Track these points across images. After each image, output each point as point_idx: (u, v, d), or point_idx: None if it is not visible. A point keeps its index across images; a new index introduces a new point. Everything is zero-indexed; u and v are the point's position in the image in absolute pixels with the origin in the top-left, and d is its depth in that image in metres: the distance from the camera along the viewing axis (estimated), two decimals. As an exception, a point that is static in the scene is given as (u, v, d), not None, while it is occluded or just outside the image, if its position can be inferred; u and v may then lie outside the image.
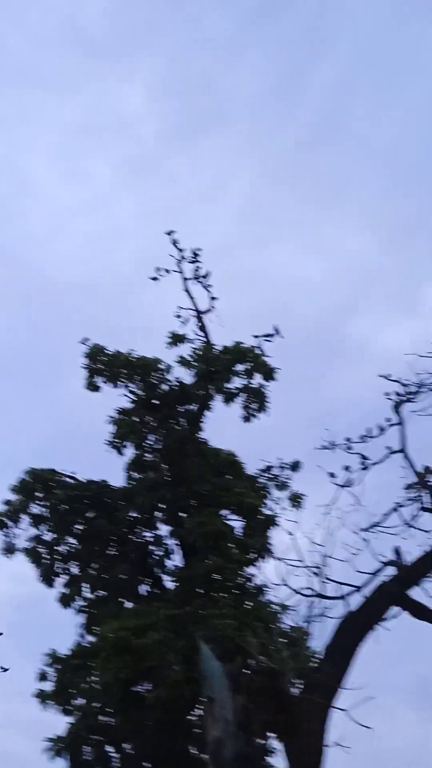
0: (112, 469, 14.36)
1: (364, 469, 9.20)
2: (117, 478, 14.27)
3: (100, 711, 11.37)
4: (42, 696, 12.12)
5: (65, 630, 13.46)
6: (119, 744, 11.59)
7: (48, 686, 12.22)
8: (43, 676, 12.31)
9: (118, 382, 14.42)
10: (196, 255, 15.26)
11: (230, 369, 13.87)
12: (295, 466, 13.95)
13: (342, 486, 9.06)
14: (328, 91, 38.45)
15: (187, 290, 15.28)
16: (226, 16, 39.93)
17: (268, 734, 10.38)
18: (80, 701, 11.88)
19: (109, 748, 11.67)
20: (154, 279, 15.37)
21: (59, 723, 11.93)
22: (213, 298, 14.77)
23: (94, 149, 41.11)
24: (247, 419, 14.31)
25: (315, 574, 7.97)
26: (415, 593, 7.51)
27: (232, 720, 6.77)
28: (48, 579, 13.54)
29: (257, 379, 14.21)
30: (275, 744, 10.85)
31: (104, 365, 14.45)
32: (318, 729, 6.05)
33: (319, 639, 7.73)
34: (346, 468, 9.22)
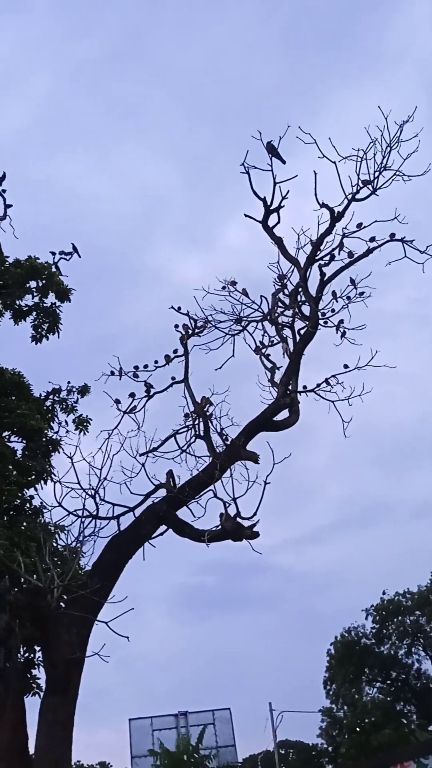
0: None
1: (148, 396, 9.51)
2: None
3: None
4: None
5: None
6: None
7: None
8: None
9: None
10: (-9, 155, 13.94)
11: (22, 285, 13.08)
12: (83, 391, 13.85)
13: (125, 412, 9.29)
14: (134, 5, 36.95)
15: (-23, 193, 13.97)
16: None
17: (34, 648, 10.71)
18: None
19: None
20: None
21: None
22: (8, 205, 13.70)
23: None
24: (37, 339, 13.77)
25: (91, 496, 8.16)
26: (182, 513, 8.07)
27: (-6, 637, 6.81)
28: None
29: (51, 299, 13.66)
30: (41, 657, 11.24)
31: None
32: (76, 641, 6.31)
33: (91, 558, 8.04)
34: (131, 395, 9.45)
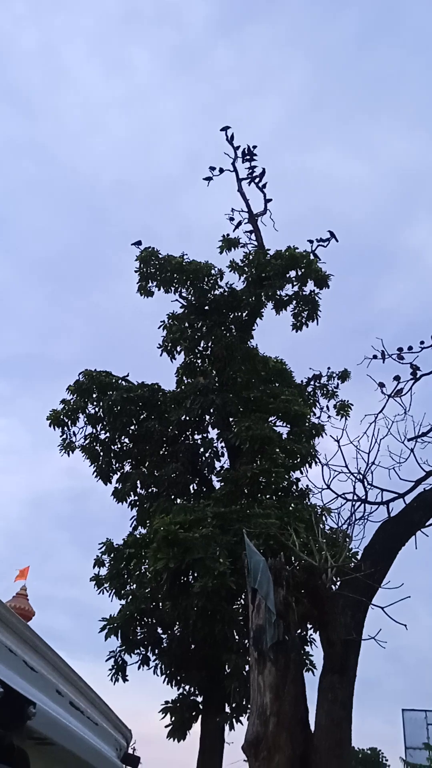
0: (162, 373, 14.66)
1: (415, 379, 9.07)
2: (168, 383, 14.58)
3: (151, 597, 12.18)
4: (97, 580, 13.07)
5: (115, 522, 14.27)
6: (168, 627, 12.49)
7: (103, 572, 13.15)
8: (98, 562, 13.20)
9: (170, 287, 14.37)
10: (251, 153, 14.66)
11: (282, 275, 13.53)
12: (343, 376, 13.88)
13: (390, 395, 8.99)
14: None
15: (240, 191, 14.82)
16: None
17: (307, 626, 11.07)
18: (132, 587, 12.74)
19: (158, 630, 12.61)
20: (208, 179, 14.93)
21: (101, 606, 12.76)
22: (267, 200, 14.26)
23: (136, 38, 39.13)
24: (297, 327, 14.14)
25: (358, 480, 8.09)
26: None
27: (274, 611, 7.17)
28: (104, 475, 14.25)
29: (309, 286, 13.90)
30: (313, 636, 11.59)
31: (156, 269, 14.37)
32: (351, 623, 6.33)
33: (360, 541, 7.99)
34: (396, 378, 9.12)
